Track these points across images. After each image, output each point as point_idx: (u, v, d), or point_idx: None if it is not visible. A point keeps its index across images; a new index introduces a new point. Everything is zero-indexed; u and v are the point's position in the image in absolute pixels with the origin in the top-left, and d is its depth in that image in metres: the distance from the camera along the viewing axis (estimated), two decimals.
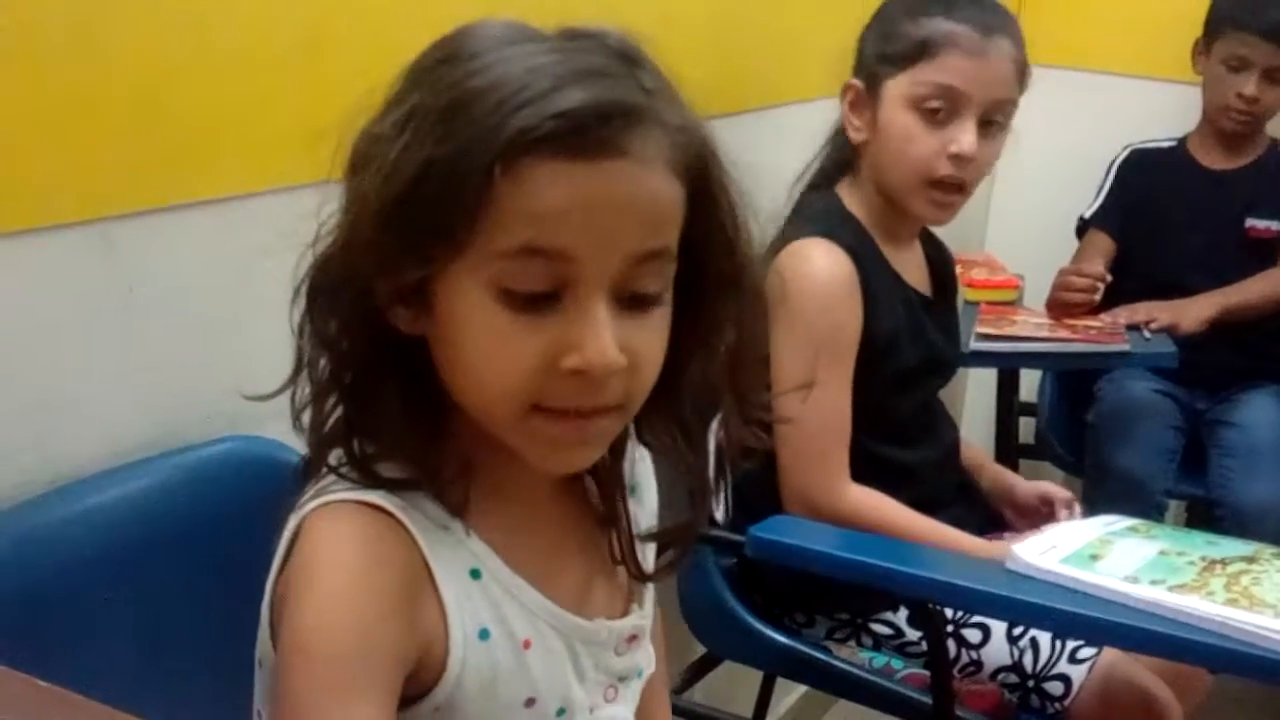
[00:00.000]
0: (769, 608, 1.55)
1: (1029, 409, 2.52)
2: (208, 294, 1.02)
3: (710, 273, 0.81)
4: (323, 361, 0.80)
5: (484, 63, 0.75)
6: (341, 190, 0.78)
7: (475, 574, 0.81)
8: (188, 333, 1.01)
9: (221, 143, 1.01)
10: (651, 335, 0.79)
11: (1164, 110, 2.56)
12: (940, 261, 1.69)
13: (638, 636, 0.92)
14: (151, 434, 0.99)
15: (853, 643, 1.57)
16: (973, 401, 2.84)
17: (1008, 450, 2.47)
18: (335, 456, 0.80)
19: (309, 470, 0.82)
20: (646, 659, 0.94)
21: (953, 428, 1.68)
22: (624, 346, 0.76)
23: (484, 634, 0.80)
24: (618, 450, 0.90)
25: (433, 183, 0.73)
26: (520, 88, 0.73)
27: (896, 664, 1.53)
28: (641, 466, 0.95)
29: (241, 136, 1.02)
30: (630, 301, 0.77)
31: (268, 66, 1.02)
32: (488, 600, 0.81)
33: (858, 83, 1.54)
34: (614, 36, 0.78)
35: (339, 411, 0.81)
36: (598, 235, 0.74)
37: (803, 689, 2.19)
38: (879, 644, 1.56)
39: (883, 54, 1.51)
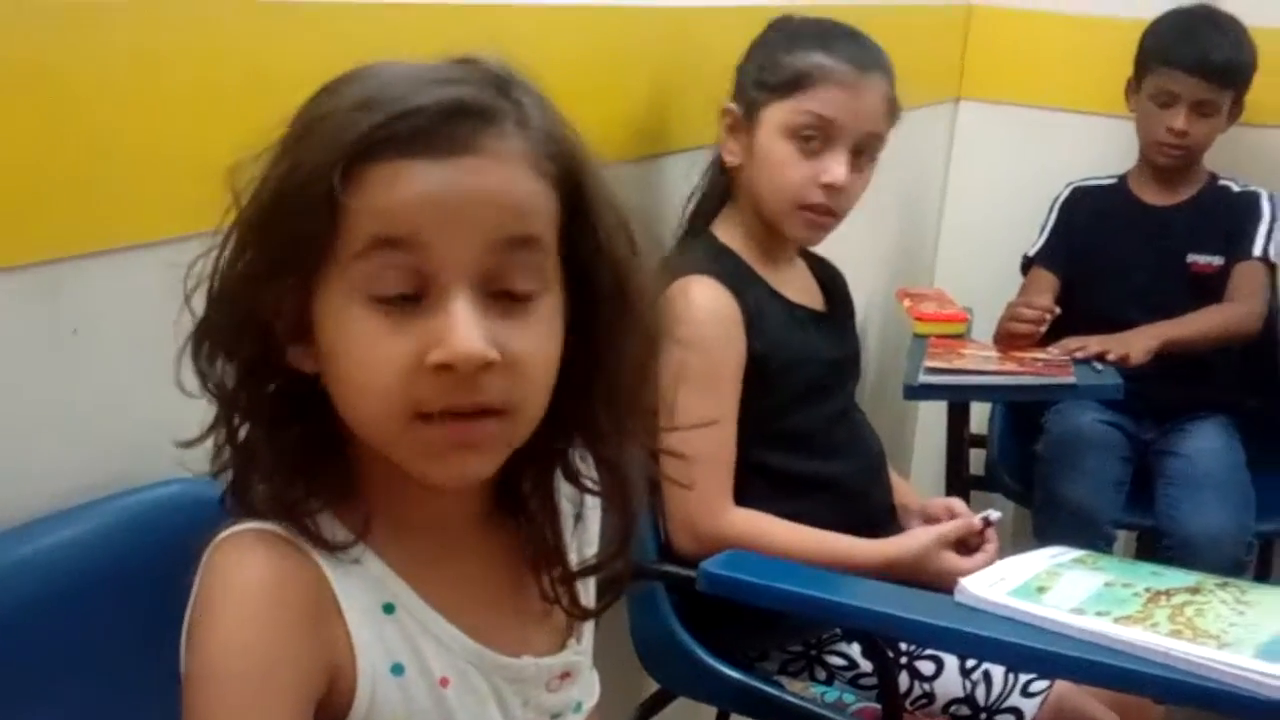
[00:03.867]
0: (722, 641, 1.55)
1: (980, 441, 2.54)
2: (153, 336, 1.02)
3: (596, 285, 0.81)
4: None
5: (347, 87, 0.77)
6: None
7: (389, 609, 0.81)
8: (132, 375, 1.00)
9: (169, 183, 1.00)
10: (532, 335, 0.77)
11: (1112, 145, 2.60)
12: (826, 275, 1.73)
13: (571, 673, 0.91)
14: (95, 477, 0.98)
15: (806, 675, 1.58)
16: (923, 434, 2.86)
17: (959, 482, 2.49)
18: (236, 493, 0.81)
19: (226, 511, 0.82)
20: (585, 692, 0.93)
21: (877, 442, 1.70)
22: (498, 344, 0.75)
23: (397, 669, 0.80)
24: (546, 484, 0.89)
25: (287, 198, 0.75)
26: (369, 100, 0.75)
27: (849, 698, 1.54)
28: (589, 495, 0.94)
29: (190, 177, 1.02)
30: (504, 298, 0.76)
31: (218, 106, 1.02)
32: (402, 635, 0.81)
33: (736, 108, 1.59)
34: (490, 60, 0.79)
35: (236, 452, 0.82)
36: (448, 221, 0.74)
37: None
38: (832, 676, 1.57)
39: (761, 82, 1.57)
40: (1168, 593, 1.33)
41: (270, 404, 0.81)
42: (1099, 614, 1.25)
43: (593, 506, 0.95)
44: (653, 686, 1.67)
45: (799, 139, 1.54)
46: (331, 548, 0.79)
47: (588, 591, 0.93)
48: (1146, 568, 1.49)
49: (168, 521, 0.98)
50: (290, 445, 0.80)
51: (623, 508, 0.89)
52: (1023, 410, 2.47)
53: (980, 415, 2.53)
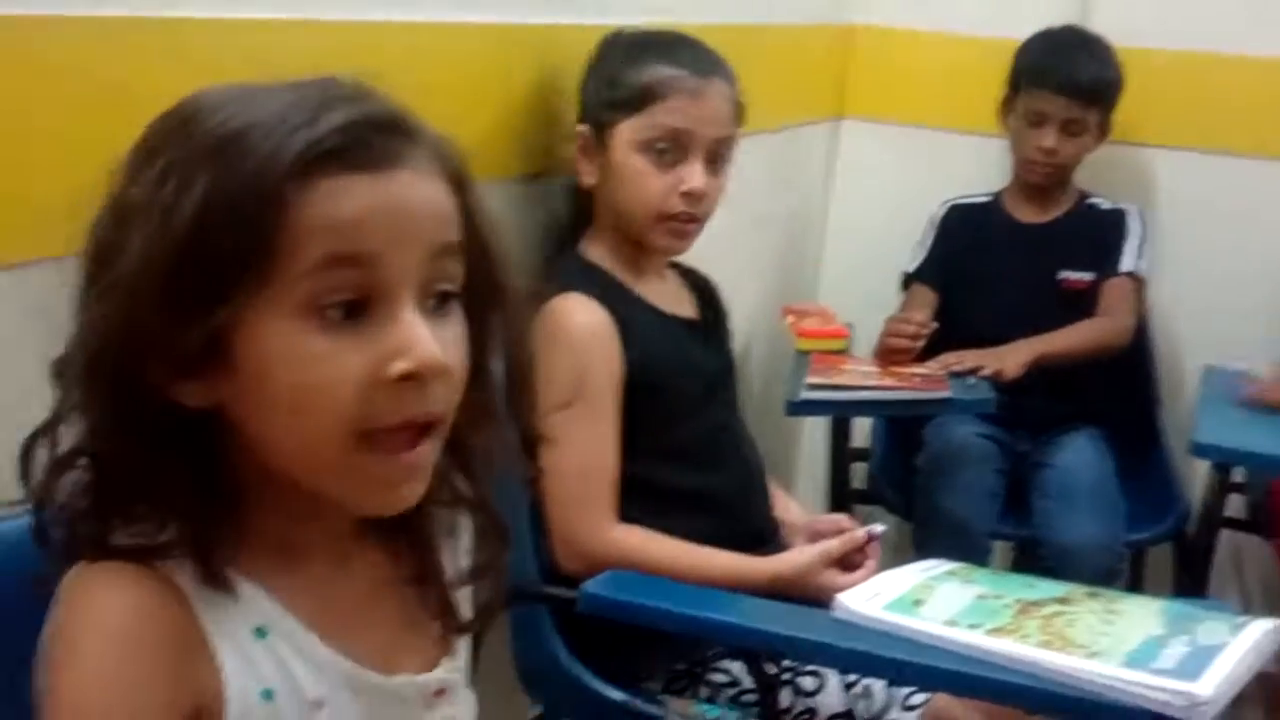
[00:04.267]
0: (606, 662, 1.55)
1: (862, 454, 2.57)
2: (14, 364, 0.99)
3: (479, 285, 0.82)
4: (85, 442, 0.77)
5: (235, 108, 0.75)
6: (83, 273, 0.76)
7: (261, 633, 0.79)
8: None
9: (27, 206, 0.98)
10: (455, 341, 0.79)
11: (989, 163, 2.65)
12: (699, 286, 1.75)
13: (446, 690, 0.90)
14: None
15: (689, 694, 1.58)
16: (807, 448, 2.89)
17: (841, 496, 2.51)
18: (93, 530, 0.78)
19: (65, 548, 0.78)
20: (461, 709, 0.93)
21: (756, 455, 1.72)
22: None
23: (267, 694, 0.79)
24: (426, 498, 0.87)
25: (218, 217, 0.71)
26: (285, 116, 0.74)
27: (731, 715, 1.54)
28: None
29: (46, 200, 0.99)
30: (432, 304, 0.78)
31: (71, 126, 1.00)
32: (274, 660, 0.79)
33: (585, 129, 1.60)
34: (343, 78, 0.79)
35: (98, 489, 0.78)
36: (397, 235, 0.75)
37: None
38: (716, 693, 1.57)
39: (608, 101, 1.58)
40: (1038, 604, 1.36)
41: (150, 441, 0.77)
42: (971, 626, 1.28)
43: (464, 518, 0.94)
44: (535, 709, 1.66)
45: (653, 152, 1.56)
46: (202, 578, 0.77)
47: (466, 606, 0.93)
48: (1019, 579, 1.52)
49: (23, 553, 0.95)
50: (172, 482, 0.77)
51: (493, 521, 0.90)
52: (903, 424, 2.51)
53: (863, 429, 2.56)
